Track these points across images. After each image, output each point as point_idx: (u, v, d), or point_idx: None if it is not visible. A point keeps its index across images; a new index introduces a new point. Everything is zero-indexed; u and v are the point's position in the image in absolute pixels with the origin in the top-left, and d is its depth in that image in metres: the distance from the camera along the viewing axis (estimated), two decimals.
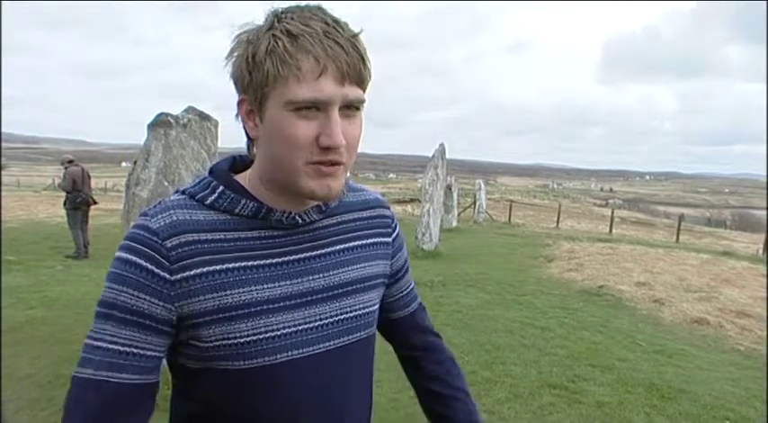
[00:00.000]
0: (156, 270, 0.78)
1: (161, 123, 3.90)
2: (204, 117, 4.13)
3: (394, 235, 1.03)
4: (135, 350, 0.79)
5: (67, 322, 5.02)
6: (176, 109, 4.13)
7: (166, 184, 3.72)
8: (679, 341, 5.56)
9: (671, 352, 5.11)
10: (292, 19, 0.75)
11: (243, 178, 0.87)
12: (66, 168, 9.35)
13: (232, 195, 0.83)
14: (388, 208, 1.04)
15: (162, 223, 0.80)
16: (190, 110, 4.11)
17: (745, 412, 3.77)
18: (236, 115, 0.84)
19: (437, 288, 7.43)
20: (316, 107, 0.75)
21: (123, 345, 0.78)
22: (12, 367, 3.93)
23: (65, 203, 9.27)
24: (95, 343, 0.79)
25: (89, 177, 9.56)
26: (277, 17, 0.77)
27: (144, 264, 0.77)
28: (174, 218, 0.81)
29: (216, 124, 4.20)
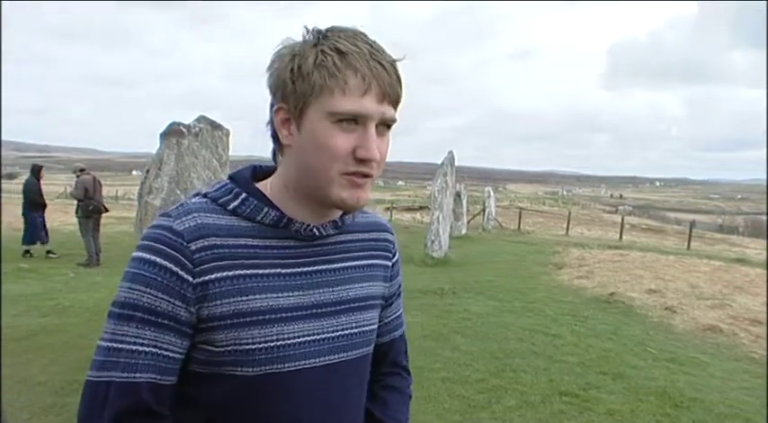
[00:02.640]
0: (181, 272, 0.79)
1: (173, 132, 3.95)
2: (216, 126, 4.18)
3: (394, 260, 1.05)
4: (161, 351, 0.80)
5: (80, 329, 5.06)
6: (188, 118, 4.19)
7: (179, 192, 3.76)
8: (691, 349, 5.50)
9: (683, 360, 5.06)
10: (339, 38, 0.80)
11: (264, 186, 0.89)
12: (77, 177, 9.46)
13: (255, 202, 0.85)
14: (392, 233, 1.07)
15: (187, 225, 0.81)
16: (201, 119, 4.16)
17: (761, 422, 3.72)
18: (268, 123, 0.86)
19: (447, 295, 7.42)
20: (355, 120, 0.79)
21: (149, 345, 0.79)
22: (25, 374, 3.97)
23: (77, 211, 9.36)
24: (116, 345, 0.79)
25: (101, 185, 9.66)
26: (323, 35, 0.81)
27: (169, 265, 0.79)
28: (199, 221, 0.82)
29: (227, 133, 4.24)
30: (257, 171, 0.94)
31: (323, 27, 0.82)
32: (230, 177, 0.90)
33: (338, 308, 0.90)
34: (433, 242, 10.80)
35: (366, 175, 0.82)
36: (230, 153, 4.31)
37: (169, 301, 0.79)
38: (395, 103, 0.82)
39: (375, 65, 0.79)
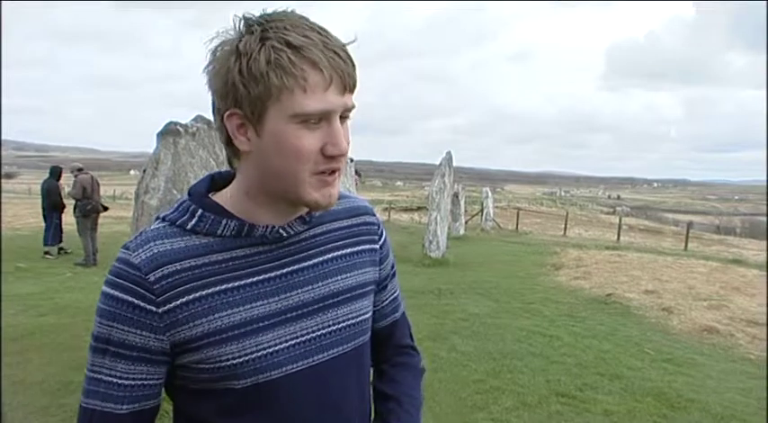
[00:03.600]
0: (143, 304, 0.78)
1: (170, 132, 3.95)
2: (213, 126, 4.17)
3: (381, 241, 1.01)
4: (134, 382, 0.81)
5: (77, 329, 5.05)
6: (185, 118, 4.18)
7: (175, 192, 3.76)
8: (688, 350, 5.51)
9: (680, 361, 5.06)
10: (286, 29, 0.74)
11: (223, 196, 0.86)
12: (75, 176, 9.44)
13: (212, 217, 0.82)
14: (375, 214, 1.02)
15: (143, 257, 0.79)
16: (198, 119, 4.16)
17: None
18: (218, 128, 0.82)
19: (444, 296, 7.42)
20: (319, 117, 0.76)
21: (121, 378, 0.80)
22: (22, 374, 3.96)
23: (74, 211, 9.35)
24: (95, 375, 0.81)
25: (98, 185, 9.65)
26: (264, 27, 0.74)
27: (130, 299, 0.78)
28: (155, 250, 0.80)
29: None
30: (216, 179, 0.90)
31: (257, 15, 0.76)
32: (188, 193, 0.87)
33: (320, 305, 0.88)
34: (430, 243, 10.80)
35: (335, 171, 0.80)
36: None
37: (137, 334, 0.79)
38: (353, 90, 0.79)
39: (331, 55, 0.74)
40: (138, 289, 0.78)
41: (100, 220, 9.78)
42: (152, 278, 0.78)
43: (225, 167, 0.94)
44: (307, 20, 0.76)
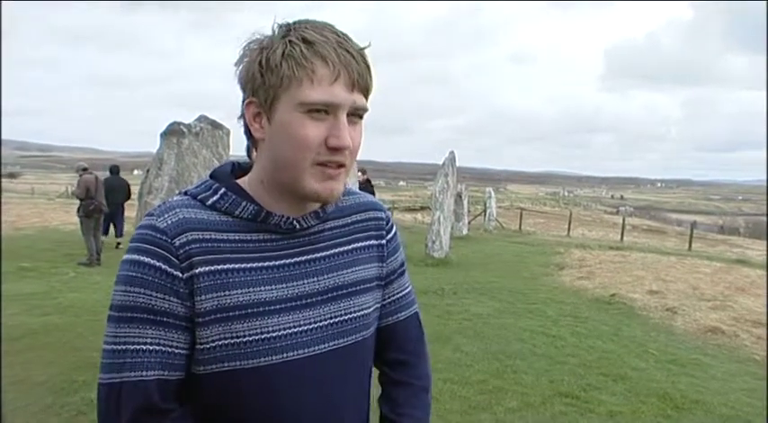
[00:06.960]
0: (169, 269, 0.80)
1: (173, 132, 3.95)
2: (216, 126, 4.17)
3: (389, 237, 1.02)
4: (163, 348, 0.81)
5: (80, 329, 5.05)
6: (189, 118, 4.18)
7: (179, 192, 3.77)
8: (692, 350, 5.49)
9: (684, 361, 5.04)
10: (306, 28, 0.80)
11: (243, 182, 0.89)
12: (80, 176, 9.45)
13: (233, 197, 0.85)
14: (384, 210, 1.04)
15: (169, 222, 0.82)
16: (202, 119, 4.16)
17: None
18: (239, 118, 0.86)
19: (447, 296, 7.41)
20: (325, 110, 0.80)
21: (151, 344, 0.80)
22: (26, 374, 3.96)
23: (78, 211, 9.36)
24: (120, 347, 0.80)
25: (102, 185, 9.65)
26: (290, 27, 0.81)
27: (157, 264, 0.79)
28: (181, 216, 0.83)
29: (228, 133, 4.24)
30: (236, 168, 0.94)
31: (291, 20, 0.82)
32: (211, 175, 0.91)
33: (325, 297, 0.90)
34: (434, 242, 10.78)
35: (340, 165, 0.82)
36: (231, 152, 4.31)
37: (164, 299, 0.80)
38: (365, 91, 0.82)
39: (343, 53, 0.79)
40: (165, 253, 0.80)
41: (103, 220, 9.78)
42: (177, 243, 0.80)
43: None
44: (330, 25, 0.82)
